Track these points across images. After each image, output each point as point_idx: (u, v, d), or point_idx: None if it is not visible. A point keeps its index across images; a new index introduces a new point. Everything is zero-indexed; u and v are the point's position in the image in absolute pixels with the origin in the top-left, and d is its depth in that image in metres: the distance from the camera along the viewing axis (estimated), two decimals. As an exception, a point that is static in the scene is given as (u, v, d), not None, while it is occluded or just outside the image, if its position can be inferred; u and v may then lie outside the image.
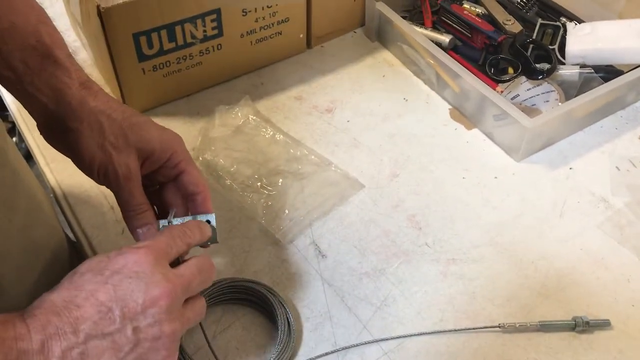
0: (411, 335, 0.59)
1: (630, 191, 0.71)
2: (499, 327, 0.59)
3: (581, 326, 0.59)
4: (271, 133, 0.77)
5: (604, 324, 0.59)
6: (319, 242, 0.67)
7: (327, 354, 0.57)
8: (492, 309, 0.61)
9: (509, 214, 0.70)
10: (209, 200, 0.55)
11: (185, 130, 0.78)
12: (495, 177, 0.74)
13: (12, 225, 0.58)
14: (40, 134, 0.53)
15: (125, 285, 0.42)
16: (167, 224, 0.52)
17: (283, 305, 0.59)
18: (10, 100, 0.80)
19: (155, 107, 0.81)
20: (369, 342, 0.58)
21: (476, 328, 0.59)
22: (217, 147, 0.74)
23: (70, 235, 0.70)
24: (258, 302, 0.60)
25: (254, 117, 0.78)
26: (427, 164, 0.75)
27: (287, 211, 0.69)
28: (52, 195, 0.71)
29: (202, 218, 0.54)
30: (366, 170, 0.74)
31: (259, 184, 0.71)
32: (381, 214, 0.70)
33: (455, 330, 0.59)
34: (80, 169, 0.53)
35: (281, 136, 0.76)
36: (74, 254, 0.74)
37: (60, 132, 0.50)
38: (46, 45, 0.49)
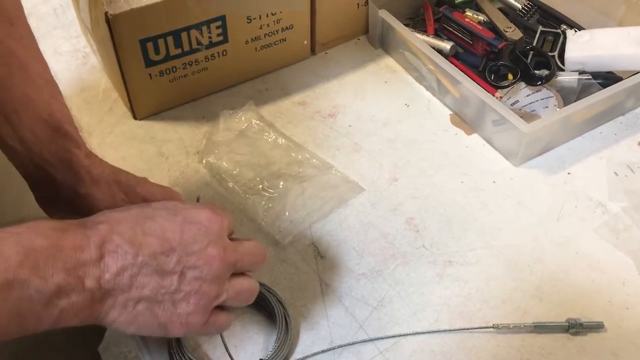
0: (406, 335, 0.60)
1: (627, 196, 0.72)
2: (493, 327, 0.60)
3: (575, 328, 0.59)
4: (274, 137, 0.78)
5: (597, 326, 0.60)
6: (318, 244, 0.68)
7: (323, 351, 0.58)
8: (487, 310, 0.62)
9: (506, 217, 0.71)
10: None
11: (191, 134, 0.80)
12: (494, 182, 0.75)
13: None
14: (41, 205, 0.54)
15: (193, 234, 0.44)
16: None
17: (281, 304, 0.60)
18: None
19: (162, 111, 0.83)
20: (364, 341, 0.59)
21: (471, 328, 0.60)
22: (221, 150, 0.76)
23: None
24: (257, 300, 0.62)
25: (258, 122, 0.80)
26: (427, 169, 0.76)
27: (287, 213, 0.70)
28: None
29: None
30: (366, 174, 0.76)
31: (260, 186, 0.73)
32: (380, 216, 0.71)
33: (450, 330, 0.60)
34: None
35: (283, 140, 0.78)
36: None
37: (68, 200, 0.51)
38: (57, 120, 0.50)
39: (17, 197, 0.59)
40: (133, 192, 0.53)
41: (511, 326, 0.59)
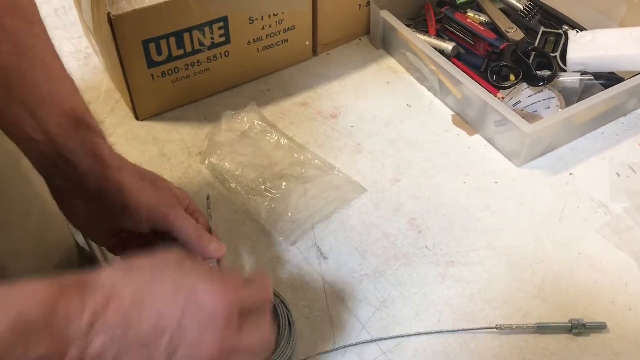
0: (409, 335, 0.60)
1: (629, 197, 0.72)
2: (496, 328, 0.60)
3: (578, 329, 0.59)
4: (276, 138, 0.78)
5: (600, 327, 0.60)
6: (320, 245, 0.68)
7: (326, 352, 0.59)
8: (490, 311, 0.62)
9: (509, 218, 0.71)
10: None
11: (193, 135, 0.80)
12: (496, 182, 0.75)
13: (25, 230, 0.60)
14: (64, 209, 0.54)
15: (192, 320, 0.39)
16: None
17: (285, 305, 0.61)
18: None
19: (164, 112, 0.83)
20: (367, 342, 0.59)
21: (474, 329, 0.60)
22: (223, 151, 0.76)
23: (81, 241, 0.72)
24: None
25: (260, 123, 0.80)
26: (429, 169, 0.76)
27: (290, 214, 0.71)
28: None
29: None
30: (368, 175, 0.76)
31: (263, 187, 0.73)
32: (382, 217, 0.71)
33: (453, 331, 0.60)
34: (120, 222, 0.53)
35: (286, 141, 0.78)
36: (82, 260, 0.76)
37: (97, 191, 0.51)
38: (79, 113, 0.51)
39: (25, 190, 0.59)
40: (157, 182, 0.54)
41: (514, 327, 0.59)
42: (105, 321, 0.37)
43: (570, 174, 0.75)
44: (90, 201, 0.52)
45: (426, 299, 0.63)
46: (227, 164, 0.75)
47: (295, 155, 0.76)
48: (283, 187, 0.73)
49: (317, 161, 0.76)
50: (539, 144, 0.76)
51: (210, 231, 0.58)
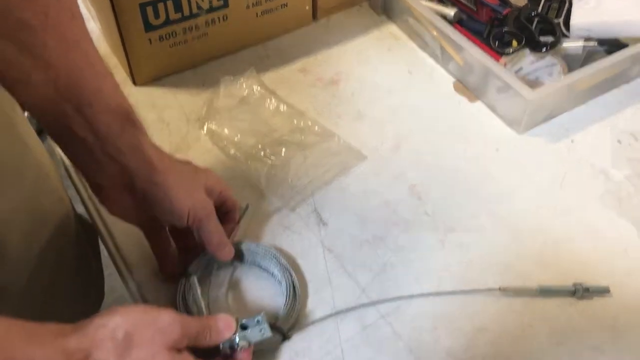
0: (409, 297, 0.60)
1: (630, 164, 0.72)
2: (500, 289, 0.60)
3: (580, 292, 0.59)
4: (275, 104, 0.78)
5: (603, 291, 0.60)
6: (320, 211, 0.68)
7: (326, 317, 0.59)
8: (489, 276, 0.62)
9: (509, 185, 0.71)
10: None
11: (191, 101, 0.79)
12: (497, 149, 0.74)
13: (20, 193, 0.60)
14: (105, 202, 0.54)
15: None
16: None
17: (289, 272, 0.60)
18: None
19: (162, 77, 0.82)
20: (366, 305, 0.59)
21: (475, 290, 0.60)
22: (222, 117, 0.75)
23: (81, 210, 0.72)
24: (264, 266, 0.62)
25: (259, 89, 0.79)
26: (430, 136, 0.76)
27: (290, 180, 0.70)
28: (63, 167, 0.73)
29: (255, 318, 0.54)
30: (369, 142, 0.75)
31: (262, 153, 0.72)
32: (382, 184, 0.71)
33: (453, 293, 0.60)
34: (163, 218, 0.54)
35: (285, 107, 0.77)
36: (80, 228, 0.76)
37: (142, 190, 0.51)
38: (125, 109, 0.50)
39: (19, 152, 0.59)
40: (197, 180, 0.55)
41: (517, 289, 0.59)
42: None
43: (572, 141, 0.75)
44: (133, 197, 0.52)
45: (425, 264, 0.63)
46: (225, 130, 0.74)
47: (295, 122, 0.76)
48: (282, 154, 0.73)
49: (317, 128, 0.75)
50: (541, 111, 0.75)
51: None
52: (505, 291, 0.60)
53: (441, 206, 0.68)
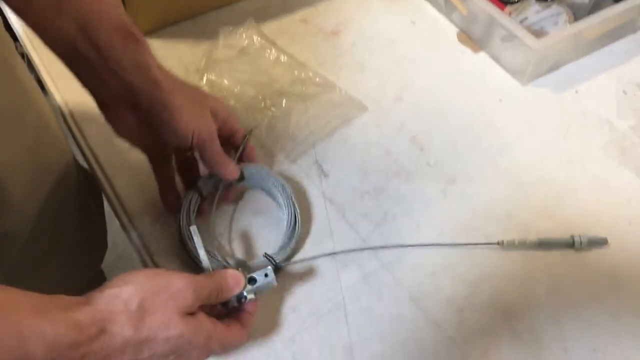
0: (410, 246, 0.60)
1: (635, 114, 0.71)
2: (498, 244, 0.60)
3: (579, 244, 0.60)
4: (275, 55, 0.76)
5: (601, 242, 0.60)
6: (322, 162, 0.68)
7: (326, 255, 0.59)
8: (490, 226, 0.62)
9: (512, 136, 0.70)
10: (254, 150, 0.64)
11: (190, 52, 0.78)
12: (500, 100, 0.73)
13: (22, 141, 0.59)
14: (111, 120, 0.53)
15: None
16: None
17: (292, 201, 0.61)
18: (21, 29, 0.80)
19: (161, 28, 0.80)
20: (364, 249, 0.60)
21: (475, 244, 0.60)
22: (222, 67, 0.74)
23: (80, 159, 0.72)
24: (267, 190, 0.63)
25: (259, 39, 0.78)
26: (432, 87, 0.75)
27: (291, 131, 0.70)
28: (60, 114, 0.72)
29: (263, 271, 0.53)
30: (370, 93, 0.74)
31: (262, 104, 0.71)
32: (384, 135, 0.70)
33: (454, 245, 0.60)
34: (166, 139, 0.54)
35: (286, 58, 0.76)
36: (82, 179, 0.76)
37: (147, 108, 0.51)
38: (127, 25, 0.49)
39: (20, 101, 0.58)
40: (203, 102, 0.55)
41: (516, 243, 0.59)
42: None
43: (576, 92, 0.74)
44: (138, 116, 0.52)
45: (427, 214, 0.63)
46: (225, 80, 0.73)
47: (296, 73, 0.75)
48: (283, 105, 0.72)
49: (318, 79, 0.74)
50: (546, 61, 0.74)
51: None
52: (504, 245, 0.60)
53: (443, 157, 0.68)
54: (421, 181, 0.66)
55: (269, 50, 0.76)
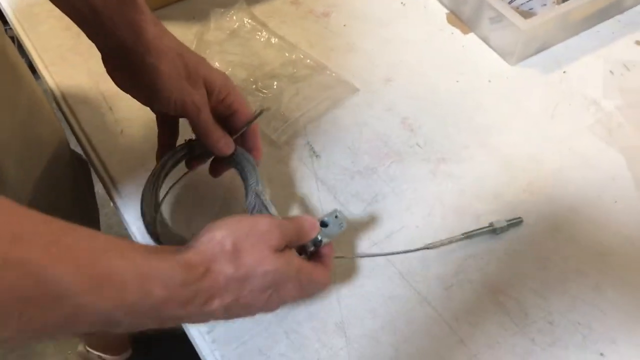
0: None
1: (622, 94, 0.72)
2: (426, 247, 0.59)
3: (499, 230, 0.60)
4: (266, 37, 0.77)
5: (517, 222, 0.61)
6: (313, 144, 0.68)
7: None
8: (479, 205, 0.63)
9: (501, 116, 0.71)
10: (258, 135, 0.60)
11: (181, 34, 0.78)
12: (489, 81, 0.74)
13: (14, 119, 0.60)
14: (109, 72, 0.53)
15: (273, 303, 0.47)
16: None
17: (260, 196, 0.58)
18: (11, 13, 0.79)
19: (152, 10, 0.80)
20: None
21: (411, 250, 0.61)
22: (212, 50, 0.75)
23: (73, 145, 0.72)
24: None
25: (250, 21, 0.78)
26: (422, 69, 0.76)
27: (282, 113, 0.70)
28: (52, 98, 0.72)
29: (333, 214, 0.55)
30: (361, 75, 0.75)
31: (254, 86, 0.72)
32: (374, 116, 0.71)
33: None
34: (151, 102, 0.55)
35: (276, 40, 0.76)
36: (75, 162, 0.76)
37: (136, 68, 0.51)
38: None
39: (11, 79, 0.58)
40: (195, 73, 0.54)
41: (445, 242, 0.60)
42: (208, 308, 0.41)
43: (564, 72, 0.75)
44: (130, 73, 0.52)
45: (417, 194, 0.64)
46: (216, 63, 0.74)
47: (287, 55, 0.75)
48: (274, 87, 0.72)
49: (308, 61, 0.75)
50: (534, 42, 0.75)
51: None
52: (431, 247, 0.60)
53: (433, 137, 0.69)
54: (411, 162, 0.67)
55: (259, 33, 0.77)
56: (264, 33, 0.77)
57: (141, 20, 0.50)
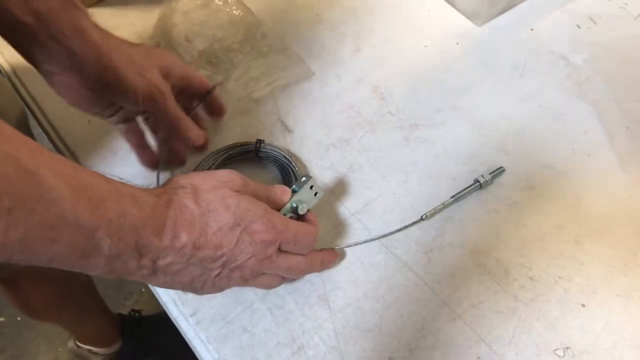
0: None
1: (589, 48, 0.72)
2: (422, 218, 0.59)
3: (485, 184, 0.61)
4: (235, 10, 0.75)
5: (499, 172, 0.62)
6: (285, 119, 0.68)
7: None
8: (454, 167, 0.63)
9: (471, 78, 0.71)
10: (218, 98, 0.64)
11: (143, 18, 0.76)
12: (457, 44, 0.74)
13: None
14: (52, 83, 0.52)
15: (243, 247, 0.46)
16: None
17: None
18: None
19: (110, -4, 0.79)
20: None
21: (397, 230, 0.61)
22: (177, 19, 0.73)
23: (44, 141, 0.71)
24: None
25: (215, -1, 0.76)
26: (390, 36, 0.75)
27: (227, 90, 0.69)
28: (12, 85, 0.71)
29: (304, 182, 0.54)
30: (329, 46, 0.74)
31: (208, 60, 0.71)
32: (345, 88, 0.70)
33: (376, 238, 0.61)
34: (118, 100, 0.54)
35: (242, 13, 0.75)
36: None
37: (93, 73, 0.51)
38: None
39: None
40: (148, 62, 0.55)
41: (432, 211, 0.59)
42: (178, 245, 0.43)
43: (531, 30, 0.75)
44: (86, 83, 0.52)
45: (392, 161, 0.64)
46: (174, 31, 0.72)
47: (250, 30, 0.74)
48: (228, 62, 0.71)
49: (271, 38, 0.74)
50: (499, 1, 0.74)
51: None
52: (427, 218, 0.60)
53: (405, 104, 0.69)
54: (384, 130, 0.66)
55: (230, 7, 0.75)
56: (233, 7, 0.75)
57: (85, 24, 0.50)
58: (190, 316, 0.54)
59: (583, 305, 0.54)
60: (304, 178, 0.54)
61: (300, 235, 0.50)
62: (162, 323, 1.32)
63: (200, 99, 0.62)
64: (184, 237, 0.43)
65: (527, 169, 0.63)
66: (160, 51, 0.58)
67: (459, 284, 0.55)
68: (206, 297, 0.55)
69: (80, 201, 0.36)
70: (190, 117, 0.61)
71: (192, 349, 0.55)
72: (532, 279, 0.56)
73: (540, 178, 0.62)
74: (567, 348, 0.52)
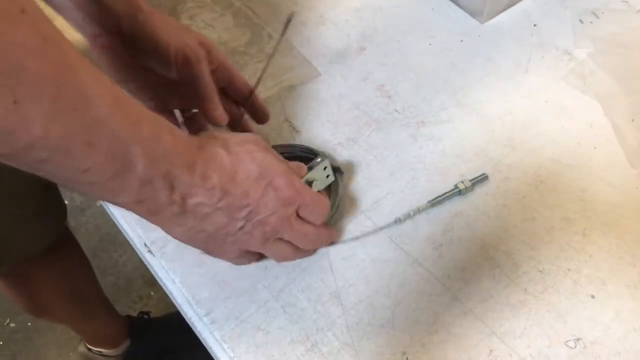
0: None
1: (592, 42, 0.73)
2: (395, 221, 0.59)
3: (465, 190, 0.61)
4: (240, 13, 0.76)
5: (482, 179, 0.62)
6: (292, 119, 0.68)
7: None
8: (461, 164, 0.64)
9: (475, 75, 0.71)
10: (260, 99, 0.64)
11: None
12: (461, 41, 0.74)
13: None
14: (101, 53, 0.54)
15: (268, 200, 0.48)
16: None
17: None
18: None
19: None
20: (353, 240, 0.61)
21: (378, 229, 0.62)
22: (183, 22, 0.74)
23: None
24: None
25: None
26: (394, 35, 0.76)
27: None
28: None
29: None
30: (334, 46, 0.75)
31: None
32: (351, 87, 0.71)
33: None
34: (153, 61, 0.55)
35: (248, 16, 0.76)
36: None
37: (129, 31, 0.52)
38: None
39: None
40: (189, 33, 0.56)
41: (411, 214, 0.60)
42: (209, 185, 0.44)
43: (534, 25, 0.75)
44: (122, 42, 0.53)
45: (399, 159, 0.65)
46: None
47: (256, 33, 0.75)
48: (235, 65, 0.72)
49: (275, 39, 0.74)
50: (502, -2, 0.75)
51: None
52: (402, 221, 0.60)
53: (410, 102, 0.69)
54: (391, 128, 0.67)
55: (235, 9, 0.76)
56: (239, 9, 0.76)
57: None
58: (205, 316, 0.55)
59: (593, 297, 0.55)
60: (319, 158, 0.55)
61: (317, 202, 0.52)
62: (172, 324, 1.33)
63: (243, 103, 0.62)
64: (214, 178, 0.44)
65: (533, 164, 0.63)
66: (205, 36, 0.59)
67: (470, 278, 0.56)
68: (220, 297, 0.56)
69: (118, 112, 0.37)
70: (239, 123, 0.62)
71: (207, 349, 0.55)
72: (541, 271, 0.56)
73: (547, 172, 0.63)
74: (578, 339, 0.52)
